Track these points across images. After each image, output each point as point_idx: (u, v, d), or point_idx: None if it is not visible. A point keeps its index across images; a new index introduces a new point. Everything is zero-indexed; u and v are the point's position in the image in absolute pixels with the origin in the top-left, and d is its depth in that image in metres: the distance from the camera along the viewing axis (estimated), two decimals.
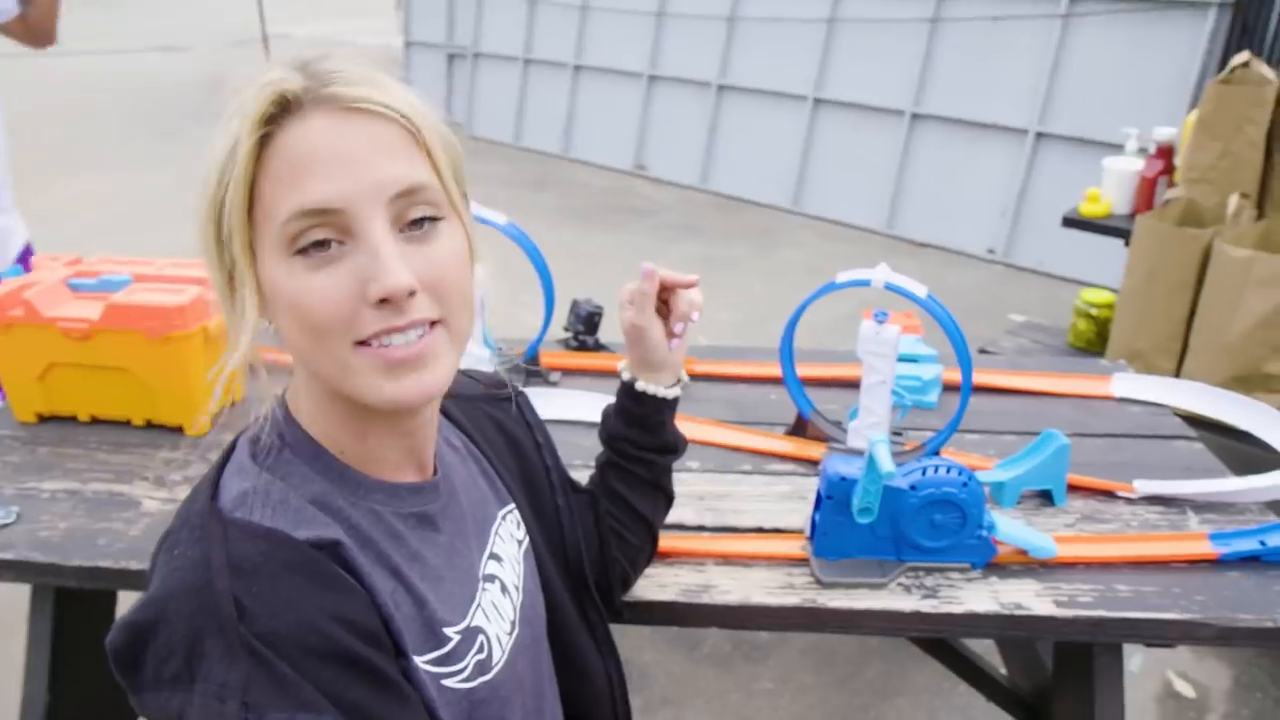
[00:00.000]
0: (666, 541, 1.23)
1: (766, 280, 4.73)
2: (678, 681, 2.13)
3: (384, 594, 0.69)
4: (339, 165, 0.64)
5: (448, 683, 0.72)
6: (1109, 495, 1.37)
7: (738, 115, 6.14)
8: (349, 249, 0.65)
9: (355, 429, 0.72)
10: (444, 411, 0.89)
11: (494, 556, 0.84)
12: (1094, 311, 2.78)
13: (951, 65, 5.07)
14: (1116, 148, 3.19)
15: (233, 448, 0.73)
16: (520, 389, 1.03)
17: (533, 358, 1.69)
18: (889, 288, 1.33)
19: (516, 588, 0.86)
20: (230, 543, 0.62)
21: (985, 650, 1.87)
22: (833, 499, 1.18)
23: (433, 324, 0.68)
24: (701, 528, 1.29)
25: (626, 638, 2.24)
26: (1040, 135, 4.74)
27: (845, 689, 2.12)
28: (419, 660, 0.70)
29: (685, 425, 1.51)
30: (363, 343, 0.66)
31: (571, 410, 1.57)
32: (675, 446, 1.10)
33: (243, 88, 0.66)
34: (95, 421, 1.55)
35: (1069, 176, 4.60)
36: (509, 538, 0.88)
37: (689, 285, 1.02)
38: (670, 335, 1.03)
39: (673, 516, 1.30)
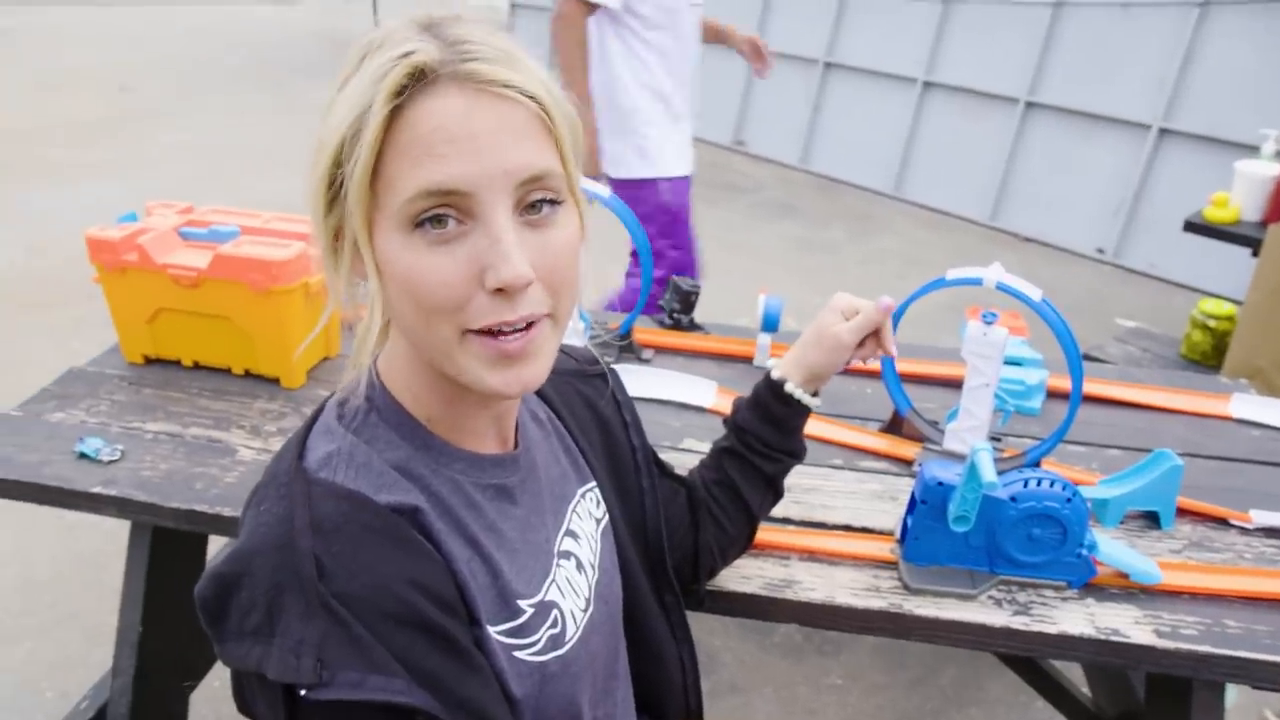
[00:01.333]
0: None
1: (863, 266, 4.64)
2: (747, 669, 2.11)
3: (460, 562, 0.69)
4: (469, 146, 0.62)
5: (520, 654, 0.72)
6: (1222, 523, 1.29)
7: (843, 95, 6.00)
8: (468, 229, 0.64)
9: (446, 398, 0.72)
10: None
11: (570, 533, 0.83)
12: (1212, 323, 2.64)
13: (1072, 52, 4.86)
14: (1250, 149, 3.02)
15: (322, 408, 0.73)
16: (612, 367, 1.02)
17: (626, 333, 1.68)
18: (1000, 288, 1.28)
19: (592, 565, 0.85)
20: (314, 502, 0.63)
21: (1069, 667, 1.81)
22: (927, 504, 1.14)
23: (541, 316, 0.67)
24: (788, 520, 1.26)
25: (698, 620, 2.22)
26: (1164, 131, 4.52)
27: (916, 692, 2.07)
28: (492, 630, 0.70)
29: None
30: (473, 331, 0.65)
31: (662, 389, 1.56)
32: (802, 452, 1.09)
33: (374, 50, 0.64)
34: (198, 367, 1.59)
35: (1192, 177, 4.39)
36: (587, 515, 0.87)
37: (889, 354, 1.07)
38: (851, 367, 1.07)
39: None
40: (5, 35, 9.49)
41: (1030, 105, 5.02)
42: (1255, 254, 2.43)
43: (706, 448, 1.41)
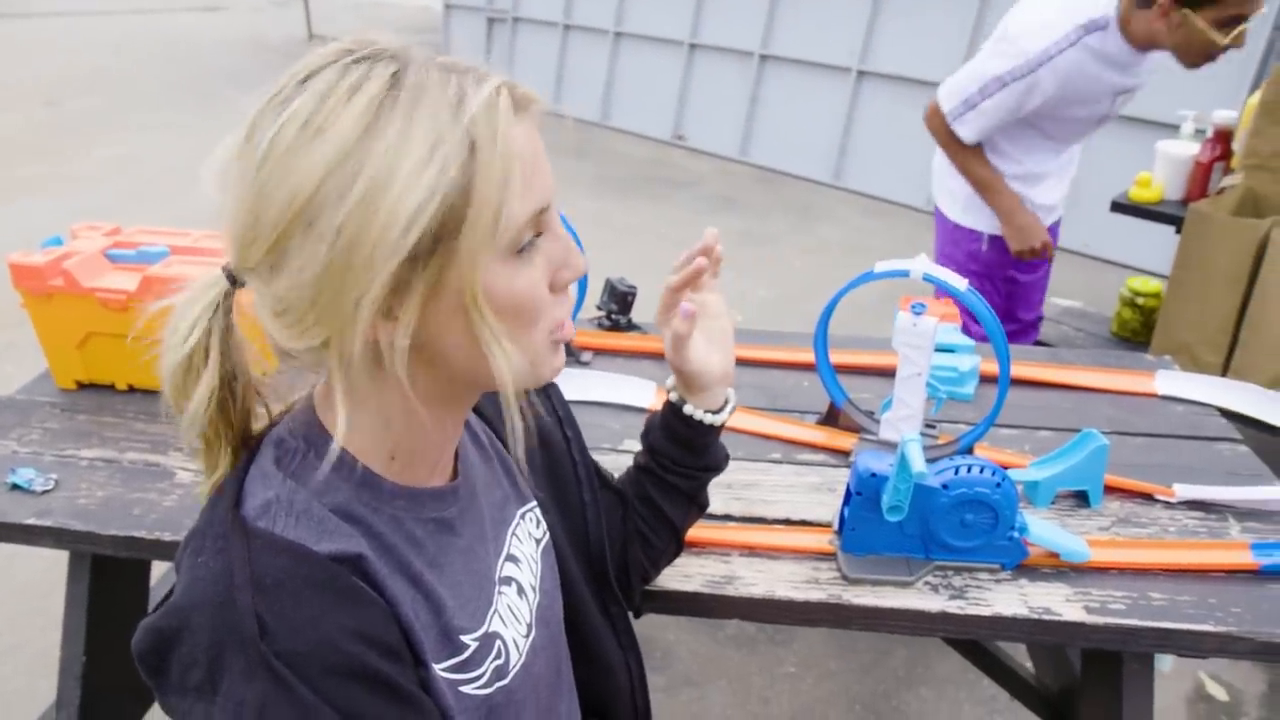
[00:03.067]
0: (693, 531, 1.22)
1: (805, 256, 4.69)
2: (701, 662, 2.13)
3: (404, 603, 0.68)
4: (542, 163, 0.66)
5: (465, 689, 0.72)
6: (1147, 498, 1.34)
7: (779, 86, 6.05)
8: (539, 241, 0.67)
9: (415, 431, 0.70)
10: (475, 405, 0.88)
11: (511, 558, 0.83)
12: (1140, 301, 2.72)
13: None
14: (1170, 129, 3.11)
15: (256, 449, 0.71)
16: (553, 381, 1.01)
17: None
18: (927, 279, 1.31)
19: (533, 588, 0.85)
20: (253, 556, 0.61)
21: (1014, 645, 1.86)
22: (862, 495, 1.16)
23: None
24: (728, 517, 1.28)
25: (650, 617, 2.24)
26: None
27: (869, 676, 2.11)
28: (438, 668, 0.70)
29: None
30: (551, 329, 0.70)
31: (601, 392, 1.56)
32: (718, 465, 1.04)
33: (423, 89, 0.60)
34: (132, 390, 1.56)
35: (1118, 158, 4.49)
36: (527, 537, 0.87)
37: (696, 273, 0.91)
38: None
39: None
40: None
41: None
42: (1179, 232, 2.50)
43: None
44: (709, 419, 0.97)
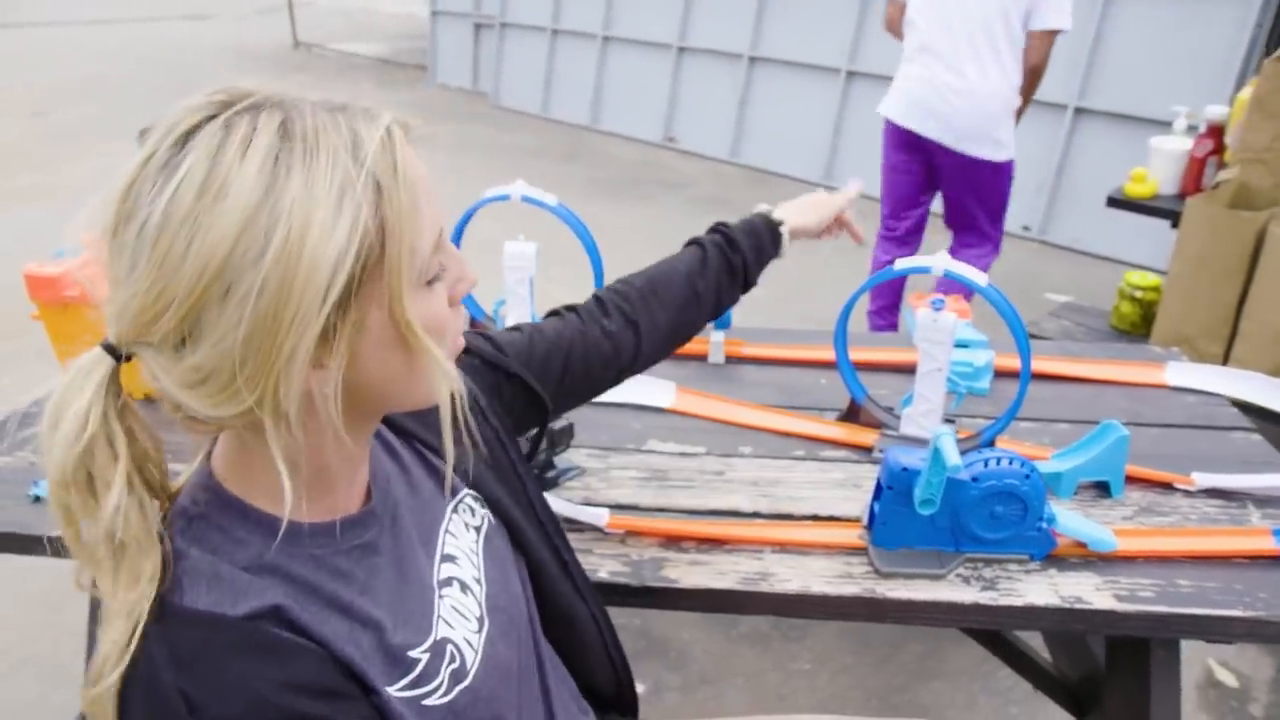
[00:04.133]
0: (723, 528, 1.23)
1: (797, 255, 4.64)
2: (716, 660, 2.14)
3: (340, 640, 0.67)
4: (430, 189, 0.66)
5: (427, 702, 0.71)
6: (1167, 488, 1.35)
7: (769, 87, 6.07)
8: (440, 262, 0.69)
9: (325, 469, 0.69)
10: None
11: (446, 558, 0.82)
12: (1139, 294, 2.74)
13: None
14: (1163, 125, 3.14)
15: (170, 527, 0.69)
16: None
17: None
18: (949, 276, 1.32)
19: (477, 580, 0.83)
20: (169, 635, 0.61)
21: (1029, 635, 1.87)
22: (894, 489, 1.17)
23: None
24: (757, 514, 1.29)
25: (664, 617, 2.25)
26: (1079, 110, 4.66)
27: (883, 670, 2.12)
28: (392, 691, 0.69)
29: (737, 410, 1.52)
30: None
31: (621, 392, 1.56)
32: (767, 261, 1.28)
33: (317, 135, 0.59)
34: (149, 400, 1.55)
35: (1110, 154, 4.53)
36: (462, 530, 0.86)
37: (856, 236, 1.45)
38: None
39: (728, 503, 1.31)
40: None
41: None
42: (1175, 226, 2.53)
43: (670, 447, 1.44)
44: (787, 242, 1.28)
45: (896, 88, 3.16)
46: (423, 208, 0.64)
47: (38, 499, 1.32)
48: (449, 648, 0.75)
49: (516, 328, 1.06)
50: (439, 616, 0.76)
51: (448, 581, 0.80)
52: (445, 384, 0.67)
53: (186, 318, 0.57)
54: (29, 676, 2.09)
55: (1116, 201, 2.84)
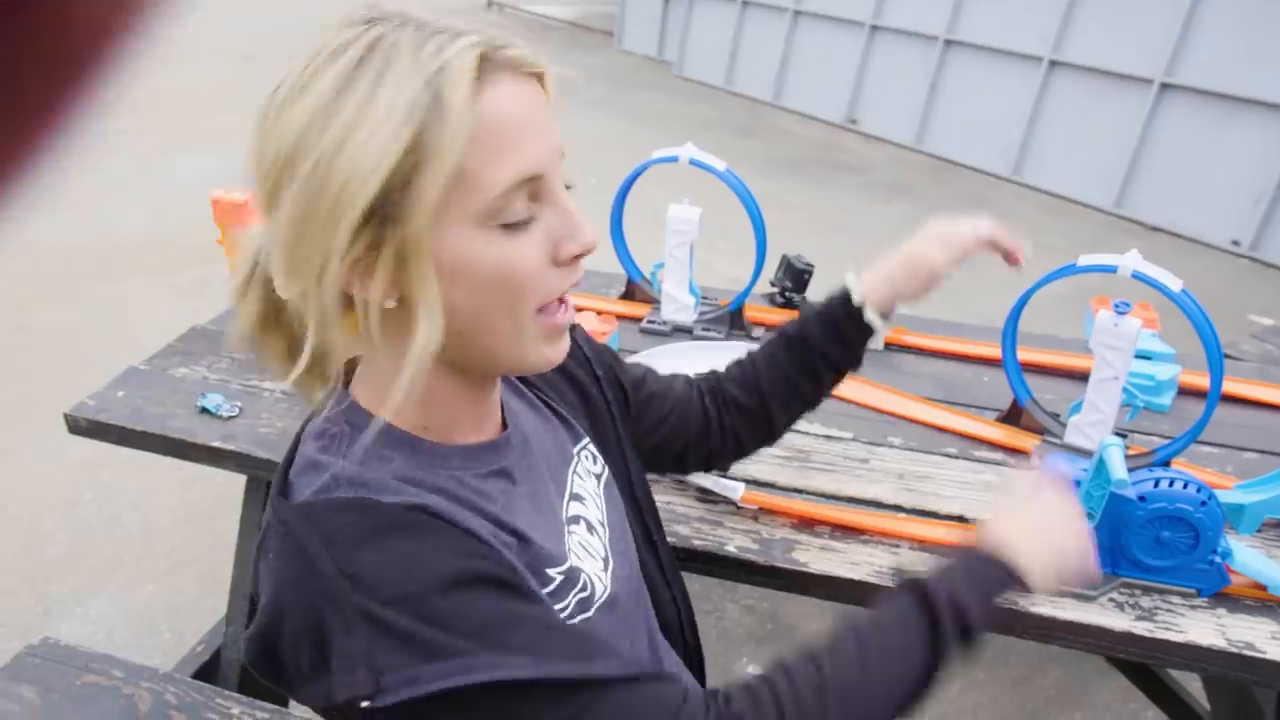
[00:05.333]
0: (861, 517, 1.18)
1: None
2: None
3: (487, 535, 0.66)
4: (534, 129, 0.63)
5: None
6: None
7: (963, 73, 5.80)
8: (536, 211, 0.65)
9: (446, 400, 0.70)
10: None
11: (575, 497, 0.82)
12: None
13: (1215, 31, 4.58)
14: None
15: (294, 451, 0.71)
16: (575, 323, 0.94)
17: (738, 309, 1.65)
18: (1136, 277, 1.21)
19: (602, 523, 0.83)
20: (318, 525, 0.61)
21: (1185, 677, 1.73)
22: None
23: None
24: (899, 508, 1.23)
25: (794, 603, 2.20)
26: None
27: (1018, 692, 2.01)
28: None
29: (890, 399, 1.46)
30: (541, 309, 0.67)
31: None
32: (858, 363, 1.06)
33: (386, 49, 0.60)
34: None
35: None
36: (587, 474, 0.86)
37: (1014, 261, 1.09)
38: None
39: (869, 492, 1.25)
40: None
41: (1165, 86, 4.76)
42: None
43: (816, 429, 1.39)
44: (880, 325, 1.01)
45: None
46: (499, 141, 0.61)
47: (205, 410, 1.40)
48: (582, 576, 0.75)
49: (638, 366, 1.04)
50: (570, 549, 0.77)
51: (575, 520, 0.80)
52: (427, 333, 0.62)
53: (271, 191, 0.62)
54: (188, 578, 2.25)
55: None
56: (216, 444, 1.34)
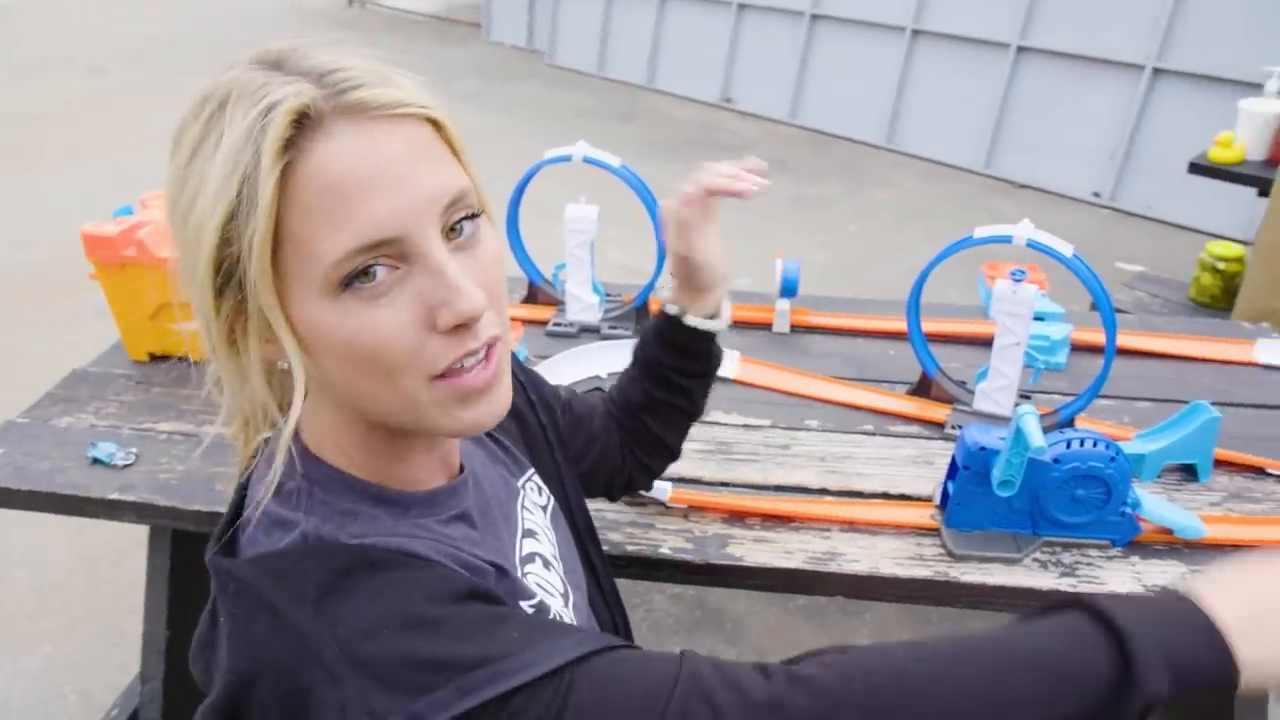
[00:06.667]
0: (789, 505, 1.19)
1: (859, 220, 4.59)
2: (773, 633, 2.11)
3: (458, 569, 0.64)
4: (384, 185, 0.56)
5: None
6: (1259, 473, 1.28)
7: (830, 46, 5.91)
8: (403, 274, 0.58)
9: (391, 452, 0.67)
10: None
11: (527, 533, 0.80)
12: (1221, 266, 2.61)
13: None
14: (1251, 87, 2.98)
15: (240, 502, 0.67)
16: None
17: (643, 305, 1.65)
18: (1031, 245, 1.25)
19: (555, 557, 0.82)
20: (280, 575, 0.58)
21: None
22: (970, 469, 1.11)
23: (496, 339, 0.63)
24: (825, 491, 1.24)
25: (720, 589, 2.21)
26: (1158, 71, 4.46)
27: None
28: None
29: (803, 381, 1.47)
30: (436, 376, 0.60)
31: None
32: (716, 368, 1.03)
33: (226, 104, 0.56)
34: (206, 360, 1.55)
35: (1190, 117, 4.35)
36: (534, 506, 0.84)
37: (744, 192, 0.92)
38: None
39: (794, 478, 1.26)
40: None
41: (1021, 50, 4.96)
42: (1263, 194, 2.40)
43: (734, 419, 1.40)
44: (711, 325, 0.97)
45: None
46: (329, 204, 0.55)
47: (96, 460, 1.32)
48: (552, 610, 0.73)
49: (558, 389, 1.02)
50: (533, 587, 0.74)
51: (530, 557, 0.78)
52: (428, 412, 0.60)
53: (195, 286, 0.60)
54: (89, 633, 2.13)
55: (1199, 168, 2.71)
56: (114, 496, 1.26)
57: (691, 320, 0.96)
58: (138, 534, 1.47)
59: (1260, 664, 0.58)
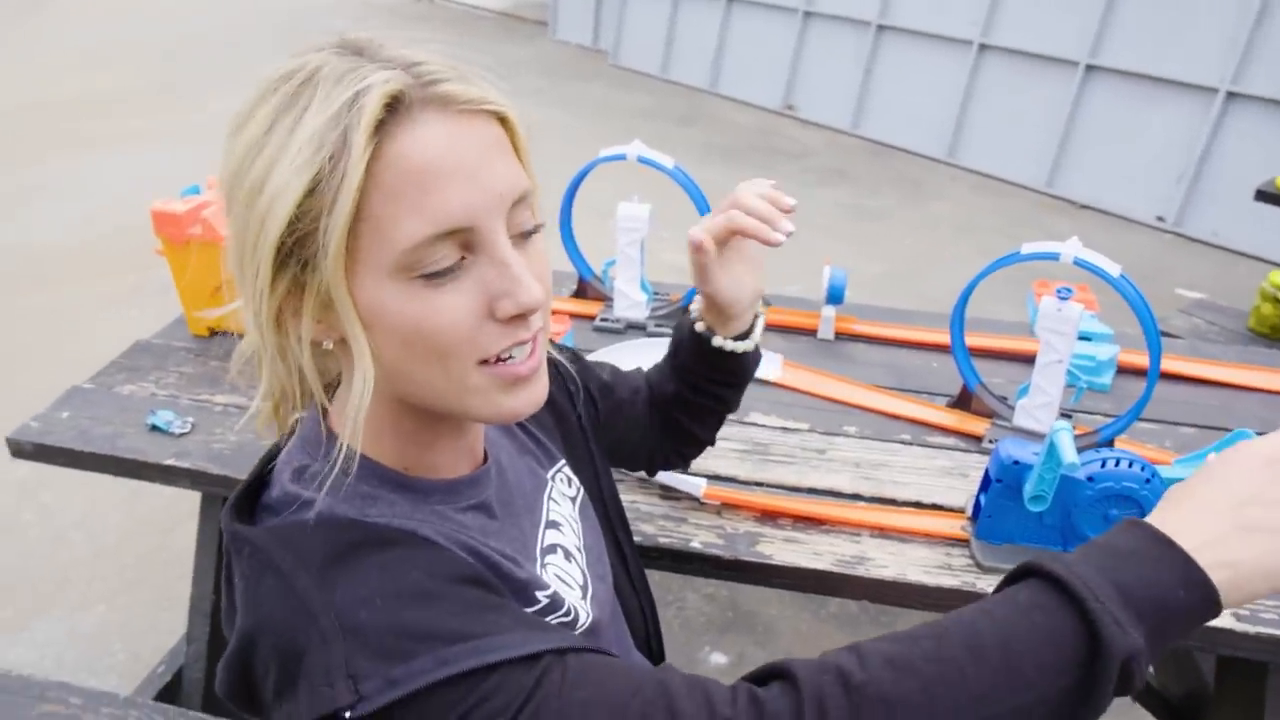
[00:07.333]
0: (821, 507, 1.20)
1: (916, 233, 4.56)
2: (803, 638, 2.11)
3: (466, 556, 0.66)
4: (462, 176, 0.59)
5: None
6: None
7: (895, 57, 5.88)
8: (469, 264, 0.61)
9: (423, 439, 0.69)
10: None
11: (551, 525, 0.81)
12: None
13: (1136, 13, 4.70)
14: None
15: (263, 474, 0.69)
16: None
17: (690, 304, 1.67)
18: (1078, 263, 1.25)
19: (579, 548, 0.83)
20: (292, 544, 0.60)
21: None
22: (1002, 482, 1.12)
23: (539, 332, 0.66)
24: (857, 496, 1.25)
25: (754, 591, 2.23)
26: (1232, 95, 4.37)
27: None
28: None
29: (843, 388, 1.48)
30: (484, 361, 0.63)
31: None
32: (750, 376, 1.02)
33: (315, 84, 0.58)
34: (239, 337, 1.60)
35: (1263, 143, 4.25)
36: (562, 498, 0.85)
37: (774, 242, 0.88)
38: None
39: (828, 482, 1.28)
40: (39, 8, 9.57)
41: (1090, 68, 4.88)
42: None
43: (773, 421, 1.41)
44: (739, 347, 0.95)
45: None
46: (411, 189, 0.57)
47: (155, 428, 1.37)
48: (566, 603, 0.74)
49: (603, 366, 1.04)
50: (547, 581, 0.76)
51: (551, 549, 0.79)
52: (361, 384, 0.60)
53: (225, 212, 0.63)
54: (139, 597, 2.21)
55: (1267, 195, 2.65)
56: (170, 462, 1.32)
57: (718, 342, 0.95)
58: (188, 503, 1.52)
59: (1238, 581, 0.56)
